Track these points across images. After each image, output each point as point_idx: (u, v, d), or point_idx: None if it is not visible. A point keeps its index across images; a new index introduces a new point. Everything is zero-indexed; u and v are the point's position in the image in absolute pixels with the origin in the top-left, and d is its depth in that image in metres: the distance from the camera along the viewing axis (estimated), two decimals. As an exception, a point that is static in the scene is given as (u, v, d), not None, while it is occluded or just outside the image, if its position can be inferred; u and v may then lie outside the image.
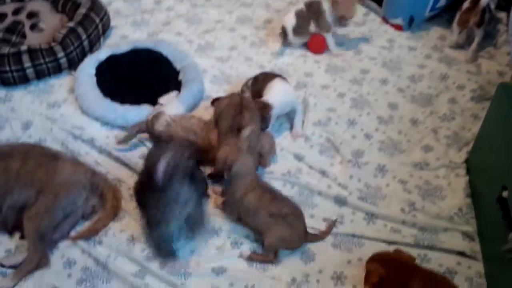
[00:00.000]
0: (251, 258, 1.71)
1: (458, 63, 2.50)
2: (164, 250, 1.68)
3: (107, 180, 1.86)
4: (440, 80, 2.41)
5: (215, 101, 2.10)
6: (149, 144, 2.03)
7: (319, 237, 1.76)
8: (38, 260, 1.65)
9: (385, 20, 2.77)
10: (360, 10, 2.82)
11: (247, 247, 1.74)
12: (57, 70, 2.31)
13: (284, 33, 2.51)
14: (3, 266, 1.66)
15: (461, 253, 1.73)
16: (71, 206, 1.74)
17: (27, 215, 1.67)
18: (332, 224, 1.79)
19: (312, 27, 2.47)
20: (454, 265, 1.71)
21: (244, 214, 1.74)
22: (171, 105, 2.07)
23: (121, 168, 1.96)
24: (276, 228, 1.67)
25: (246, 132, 1.80)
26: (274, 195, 1.73)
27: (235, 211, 1.76)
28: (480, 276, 1.67)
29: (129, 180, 1.89)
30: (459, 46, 2.58)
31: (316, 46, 2.53)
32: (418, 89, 2.37)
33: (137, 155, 2.00)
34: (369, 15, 2.83)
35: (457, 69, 2.46)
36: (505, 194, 1.59)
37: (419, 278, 1.48)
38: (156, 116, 1.97)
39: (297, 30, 2.47)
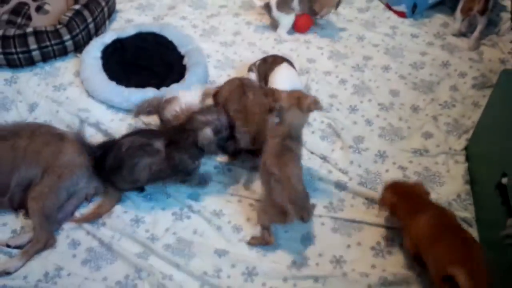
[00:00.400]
0: (250, 243, 1.74)
1: (460, 51, 2.51)
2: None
3: None
4: (442, 68, 2.43)
5: (216, 95, 2.04)
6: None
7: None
8: (45, 240, 1.69)
9: (389, 6, 2.77)
10: (363, -4, 2.84)
11: (248, 232, 1.77)
12: (63, 52, 2.33)
13: (268, 7, 2.55)
14: (9, 246, 1.69)
15: (458, 239, 1.77)
16: (74, 187, 1.77)
17: (31, 195, 1.70)
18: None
19: (296, 5, 2.50)
20: (451, 249, 1.75)
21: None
22: (188, 93, 2.06)
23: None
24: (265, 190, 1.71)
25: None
26: (283, 157, 1.68)
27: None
28: (476, 261, 1.71)
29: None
30: (461, 34, 2.59)
31: (299, 25, 2.56)
32: (420, 76, 2.38)
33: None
34: (373, 1, 2.83)
35: (459, 57, 2.47)
36: (504, 180, 1.61)
37: (427, 213, 1.59)
38: (169, 101, 1.98)
39: (280, 5, 2.49)
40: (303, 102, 1.71)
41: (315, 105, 1.74)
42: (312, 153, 2.02)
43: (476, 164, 1.95)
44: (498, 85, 1.84)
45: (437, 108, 2.23)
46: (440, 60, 2.46)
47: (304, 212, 1.66)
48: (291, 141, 1.73)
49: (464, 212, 1.82)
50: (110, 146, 1.79)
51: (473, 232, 1.77)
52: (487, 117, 1.90)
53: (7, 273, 1.63)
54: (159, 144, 1.74)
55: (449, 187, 1.92)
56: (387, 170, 1.97)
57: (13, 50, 2.22)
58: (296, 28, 2.59)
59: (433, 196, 1.87)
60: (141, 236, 1.74)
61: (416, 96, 2.29)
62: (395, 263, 1.70)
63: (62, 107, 2.13)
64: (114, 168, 1.75)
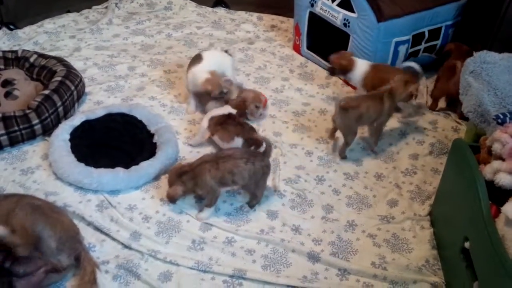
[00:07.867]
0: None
1: (416, 121, 2.67)
2: None
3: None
4: (400, 137, 2.56)
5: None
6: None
7: None
8: None
9: (346, 82, 2.94)
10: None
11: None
12: (31, 136, 2.34)
13: None
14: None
15: (430, 304, 1.79)
16: None
17: None
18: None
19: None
20: (425, 316, 1.77)
21: None
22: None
23: (94, 233, 1.98)
24: None
25: None
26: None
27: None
28: (449, 326, 1.73)
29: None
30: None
31: None
32: (381, 146, 2.50)
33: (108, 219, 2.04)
34: (332, 78, 3.00)
35: (415, 127, 2.62)
36: (467, 245, 1.67)
37: None
38: None
39: None
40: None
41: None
42: (284, 225, 2.06)
43: (441, 229, 2.01)
44: (451, 154, 1.95)
45: (399, 176, 2.33)
46: (398, 130, 2.60)
47: None
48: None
49: (434, 277, 1.86)
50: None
51: (444, 296, 1.81)
52: (445, 184, 2.00)
53: None
54: None
55: (417, 253, 1.96)
56: (357, 239, 2.01)
57: (-19, 136, 2.22)
58: None
59: (404, 262, 1.91)
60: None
61: (379, 164, 2.39)
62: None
63: (29, 192, 2.10)
64: None
